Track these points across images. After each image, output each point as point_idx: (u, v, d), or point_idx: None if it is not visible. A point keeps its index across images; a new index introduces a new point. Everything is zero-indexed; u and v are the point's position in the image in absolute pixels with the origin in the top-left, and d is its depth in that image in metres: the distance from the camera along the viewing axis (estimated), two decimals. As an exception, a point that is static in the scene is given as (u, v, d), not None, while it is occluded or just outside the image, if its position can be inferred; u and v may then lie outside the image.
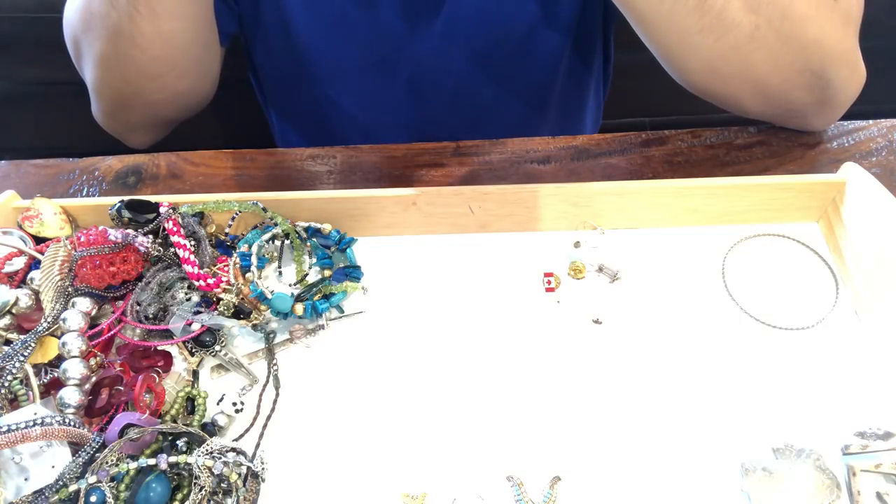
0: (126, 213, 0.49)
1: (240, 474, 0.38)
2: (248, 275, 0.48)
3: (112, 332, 0.46)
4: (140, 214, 0.49)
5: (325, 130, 0.75)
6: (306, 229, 0.52)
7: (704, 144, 0.60)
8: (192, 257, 0.48)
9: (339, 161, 0.60)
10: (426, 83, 0.69)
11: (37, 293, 0.46)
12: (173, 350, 0.47)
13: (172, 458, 0.38)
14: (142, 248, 0.47)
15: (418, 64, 0.67)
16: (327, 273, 0.50)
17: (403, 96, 0.71)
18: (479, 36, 0.65)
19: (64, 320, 0.43)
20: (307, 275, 0.51)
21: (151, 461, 0.38)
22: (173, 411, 0.42)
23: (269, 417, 0.43)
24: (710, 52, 0.52)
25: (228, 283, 0.48)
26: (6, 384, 0.40)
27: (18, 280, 0.48)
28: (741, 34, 0.50)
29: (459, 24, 0.64)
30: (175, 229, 0.48)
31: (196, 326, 0.46)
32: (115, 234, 0.46)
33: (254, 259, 0.49)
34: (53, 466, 0.38)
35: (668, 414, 0.42)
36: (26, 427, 0.36)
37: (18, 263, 0.48)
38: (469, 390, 0.44)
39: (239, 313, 0.47)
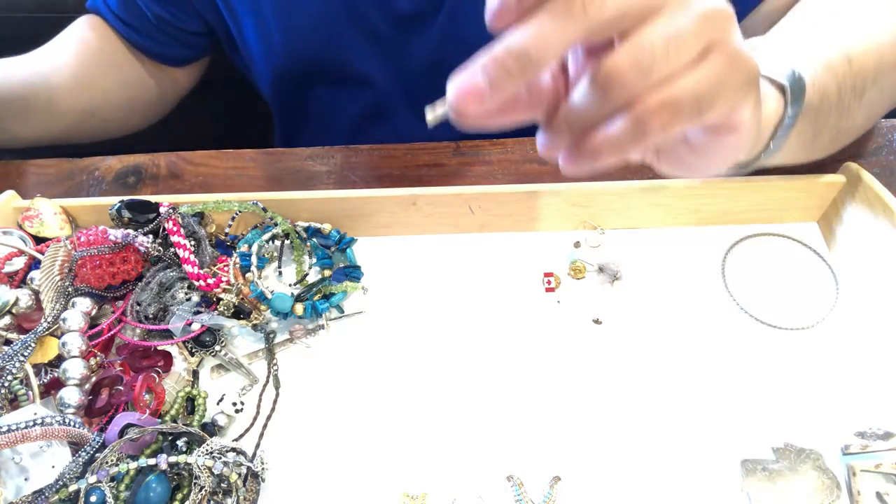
0: (126, 213, 0.49)
1: (240, 474, 0.38)
2: (248, 275, 0.48)
3: (112, 332, 0.46)
4: (140, 214, 0.49)
5: (324, 130, 0.75)
6: (306, 229, 0.52)
7: (704, 144, 0.60)
8: (192, 257, 0.48)
9: (339, 161, 0.60)
10: (426, 84, 0.69)
11: (37, 293, 0.46)
12: (173, 350, 0.47)
13: (172, 458, 0.38)
14: (142, 248, 0.47)
15: (418, 65, 0.67)
16: (327, 273, 0.50)
17: (403, 97, 0.71)
18: (477, 40, 0.65)
19: (64, 320, 0.43)
20: (307, 275, 0.51)
21: (151, 461, 0.38)
22: (173, 411, 0.42)
23: (269, 417, 0.43)
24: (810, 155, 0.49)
25: (228, 283, 0.48)
26: (6, 384, 0.40)
27: (18, 280, 0.48)
28: (851, 136, 0.49)
29: (458, 27, 0.64)
30: (175, 229, 0.48)
31: (196, 326, 0.46)
32: (115, 234, 0.46)
33: (254, 259, 0.49)
34: (53, 466, 0.38)
35: (669, 414, 0.42)
36: (26, 427, 0.36)
37: (18, 263, 0.48)
38: (469, 390, 0.44)
39: (239, 313, 0.47)
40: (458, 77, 0.26)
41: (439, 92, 0.27)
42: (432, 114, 0.28)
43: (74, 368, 0.41)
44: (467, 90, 0.26)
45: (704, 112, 0.27)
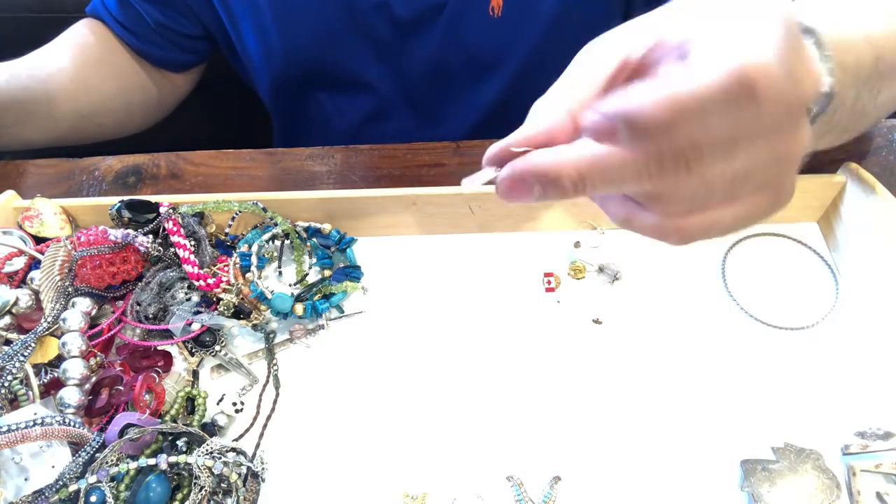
0: (126, 213, 0.49)
1: (240, 474, 0.38)
2: (248, 275, 0.48)
3: (112, 332, 0.46)
4: (140, 214, 0.49)
5: (324, 135, 0.75)
6: (306, 229, 0.52)
7: (704, 144, 0.59)
8: (192, 257, 0.48)
9: (339, 161, 0.60)
10: (426, 89, 0.69)
11: (37, 293, 0.46)
12: (173, 350, 0.47)
13: (172, 458, 0.38)
14: (142, 248, 0.47)
15: (418, 70, 0.67)
16: (327, 273, 0.50)
17: (403, 101, 0.71)
18: (477, 45, 0.65)
19: (64, 320, 0.43)
20: (307, 275, 0.51)
21: (151, 461, 0.38)
22: (173, 411, 0.42)
23: (269, 417, 0.43)
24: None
25: (228, 283, 0.48)
26: (6, 384, 0.40)
27: (18, 280, 0.48)
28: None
29: (458, 32, 0.64)
30: (175, 229, 0.48)
31: (196, 326, 0.46)
32: (115, 234, 0.46)
33: (254, 259, 0.49)
34: (53, 466, 0.38)
35: (669, 414, 0.42)
36: (26, 427, 0.37)
37: (18, 263, 0.48)
38: (469, 390, 0.44)
39: (239, 313, 0.47)
40: (515, 179, 0.27)
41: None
42: (469, 183, 0.29)
43: (74, 368, 0.41)
44: (519, 195, 0.27)
45: (734, 231, 0.27)
